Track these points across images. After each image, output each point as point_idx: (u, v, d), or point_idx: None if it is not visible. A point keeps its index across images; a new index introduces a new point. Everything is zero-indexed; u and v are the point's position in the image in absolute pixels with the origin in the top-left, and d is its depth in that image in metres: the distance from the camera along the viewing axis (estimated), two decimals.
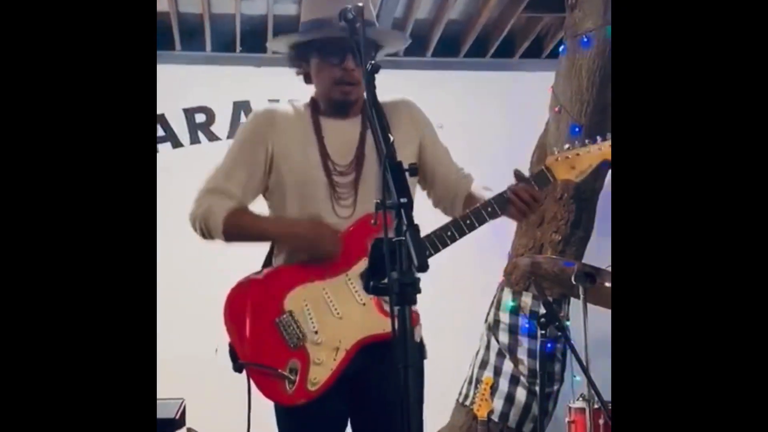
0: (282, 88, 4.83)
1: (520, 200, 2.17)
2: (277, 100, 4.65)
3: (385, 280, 1.51)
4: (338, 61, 2.20)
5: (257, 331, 2.16)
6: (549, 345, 3.78)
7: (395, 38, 2.50)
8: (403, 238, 1.50)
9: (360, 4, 1.88)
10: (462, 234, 2.15)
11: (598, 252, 4.09)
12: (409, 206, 1.52)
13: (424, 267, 1.44)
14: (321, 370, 2.14)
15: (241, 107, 4.70)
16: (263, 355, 2.14)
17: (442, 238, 2.13)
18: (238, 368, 2.17)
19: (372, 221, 2.10)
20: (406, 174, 1.59)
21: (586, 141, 2.31)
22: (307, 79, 2.33)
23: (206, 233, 2.23)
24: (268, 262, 2.32)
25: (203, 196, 2.25)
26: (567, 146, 2.31)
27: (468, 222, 2.15)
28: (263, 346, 2.15)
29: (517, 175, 2.22)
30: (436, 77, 4.79)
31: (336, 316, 2.17)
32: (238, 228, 2.22)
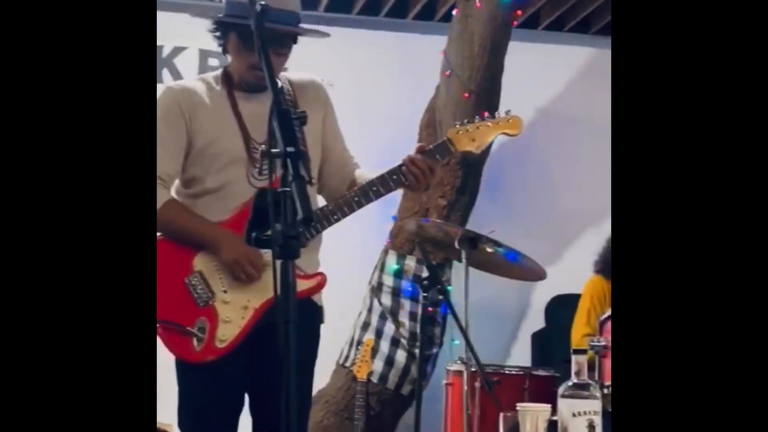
0: (190, 36, 4.55)
1: (417, 168, 2.26)
2: (185, 48, 4.45)
3: (269, 232, 1.46)
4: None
5: (167, 289, 2.20)
6: (430, 308, 3.81)
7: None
8: (288, 189, 1.45)
9: None
10: (368, 200, 2.26)
11: (482, 217, 4.14)
12: (296, 156, 1.47)
13: (309, 219, 1.40)
14: (229, 328, 2.22)
15: None
16: (172, 313, 2.20)
17: (350, 203, 2.23)
18: None
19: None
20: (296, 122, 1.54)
21: (486, 115, 2.42)
22: (225, 51, 2.35)
23: None
24: None
25: None
26: (466, 120, 2.42)
27: (374, 189, 2.26)
28: (172, 305, 2.21)
29: (420, 148, 2.33)
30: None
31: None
32: (168, 222, 2.25)
